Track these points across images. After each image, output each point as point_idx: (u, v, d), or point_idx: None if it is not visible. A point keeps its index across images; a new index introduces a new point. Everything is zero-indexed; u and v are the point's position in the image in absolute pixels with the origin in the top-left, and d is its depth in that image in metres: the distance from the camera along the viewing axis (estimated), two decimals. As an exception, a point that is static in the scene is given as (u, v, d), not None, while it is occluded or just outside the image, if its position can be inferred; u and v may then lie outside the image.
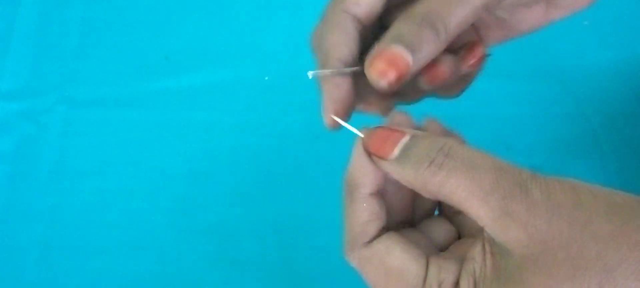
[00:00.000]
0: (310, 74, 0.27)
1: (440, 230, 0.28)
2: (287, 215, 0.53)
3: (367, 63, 0.25)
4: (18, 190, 0.55)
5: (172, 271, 0.52)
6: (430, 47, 0.25)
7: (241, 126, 0.57)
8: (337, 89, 0.28)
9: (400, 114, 0.27)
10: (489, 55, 0.31)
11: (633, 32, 0.60)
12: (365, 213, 0.25)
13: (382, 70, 0.25)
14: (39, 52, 0.62)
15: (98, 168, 0.56)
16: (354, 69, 0.27)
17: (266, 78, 0.60)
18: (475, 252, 0.23)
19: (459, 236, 0.28)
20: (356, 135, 0.26)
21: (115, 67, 0.61)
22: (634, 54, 0.58)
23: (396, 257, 0.24)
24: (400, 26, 0.25)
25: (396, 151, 0.23)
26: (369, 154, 0.25)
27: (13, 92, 0.60)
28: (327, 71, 0.27)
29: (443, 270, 0.23)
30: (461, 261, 0.23)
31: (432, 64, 0.27)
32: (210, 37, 0.63)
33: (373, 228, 0.25)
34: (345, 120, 0.28)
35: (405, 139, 0.24)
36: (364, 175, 0.25)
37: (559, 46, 0.59)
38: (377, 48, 0.25)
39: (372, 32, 0.30)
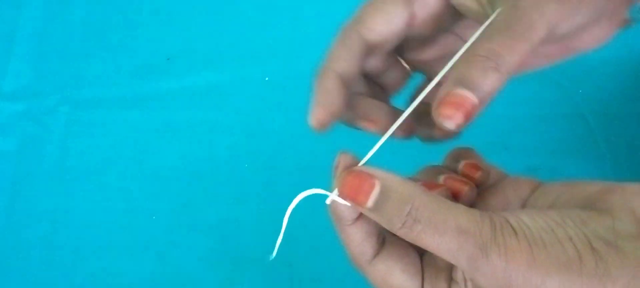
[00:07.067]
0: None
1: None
2: (287, 214, 0.53)
3: (434, 107, 0.26)
4: (21, 190, 0.56)
5: (172, 271, 0.52)
6: (494, 87, 0.25)
7: (241, 126, 0.58)
8: (327, 96, 0.29)
9: (345, 155, 0.27)
10: None
11: (632, 32, 0.59)
12: (357, 236, 0.27)
13: (449, 115, 0.25)
14: (42, 52, 0.63)
15: (100, 169, 0.57)
16: (388, 133, 0.27)
17: (266, 79, 0.60)
18: (458, 276, 0.25)
19: None
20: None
21: (117, 68, 0.61)
22: (632, 54, 0.58)
23: (396, 277, 0.27)
24: (463, 69, 0.26)
25: (370, 203, 0.25)
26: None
27: (16, 93, 0.60)
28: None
29: None
30: (449, 279, 0.26)
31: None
32: (212, 38, 0.63)
33: (369, 247, 0.27)
34: (328, 126, 0.29)
35: (375, 192, 0.25)
36: (341, 211, 0.27)
37: (557, 47, 0.59)
38: (443, 93, 0.25)
39: (387, 60, 0.32)
